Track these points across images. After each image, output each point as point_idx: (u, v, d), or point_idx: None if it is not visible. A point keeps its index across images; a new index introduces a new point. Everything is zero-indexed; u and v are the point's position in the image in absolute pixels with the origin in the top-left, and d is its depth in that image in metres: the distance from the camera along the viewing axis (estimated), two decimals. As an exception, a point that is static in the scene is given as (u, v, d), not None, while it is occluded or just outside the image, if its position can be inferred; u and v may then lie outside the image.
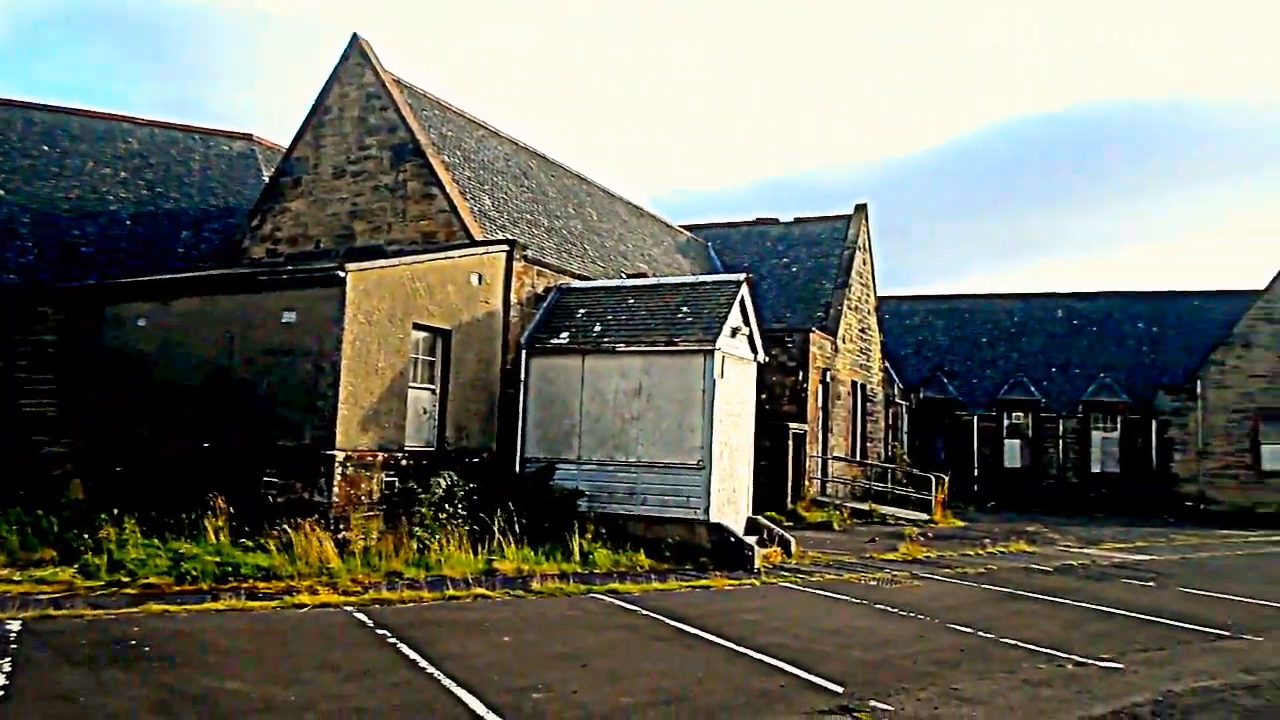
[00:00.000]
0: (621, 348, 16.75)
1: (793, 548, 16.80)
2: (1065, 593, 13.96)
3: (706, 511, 15.68)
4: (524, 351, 17.52)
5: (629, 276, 22.67)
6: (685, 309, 17.01)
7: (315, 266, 16.01)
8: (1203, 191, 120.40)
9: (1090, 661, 9.41)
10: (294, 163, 20.11)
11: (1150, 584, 15.36)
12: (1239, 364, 33.46)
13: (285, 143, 21.39)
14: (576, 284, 19.08)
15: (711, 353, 16.01)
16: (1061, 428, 37.61)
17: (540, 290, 18.38)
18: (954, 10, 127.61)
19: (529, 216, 22.05)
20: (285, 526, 12.58)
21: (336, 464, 13.69)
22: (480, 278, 16.91)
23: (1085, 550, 20.09)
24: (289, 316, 14.32)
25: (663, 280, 19.32)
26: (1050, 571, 16.46)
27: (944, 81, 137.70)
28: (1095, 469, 37.03)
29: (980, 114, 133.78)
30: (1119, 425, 36.71)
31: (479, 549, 13.78)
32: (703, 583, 13.38)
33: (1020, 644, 10.09)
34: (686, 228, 34.44)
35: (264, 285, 14.99)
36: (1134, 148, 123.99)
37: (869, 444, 32.03)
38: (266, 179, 21.65)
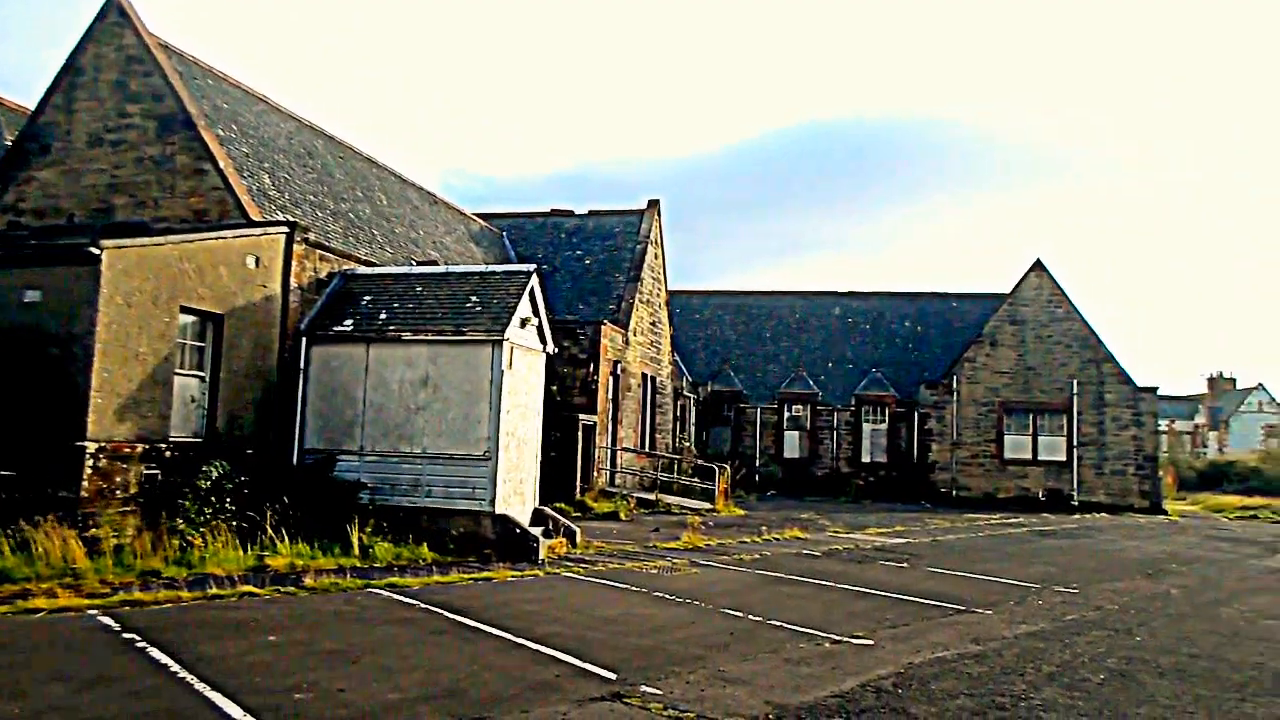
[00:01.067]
0: (408, 336, 16.37)
1: (578, 538, 16.99)
2: (830, 575, 14.87)
3: (492, 503, 15.60)
4: (305, 339, 16.78)
5: (419, 264, 22.18)
6: (474, 298, 16.83)
7: (65, 242, 14.65)
8: (968, 198, 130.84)
9: (846, 639, 10.06)
10: (42, 128, 18.33)
11: (904, 565, 16.61)
12: (987, 361, 36.73)
13: (31, 105, 19.46)
14: (362, 270, 18.46)
15: (500, 343, 15.93)
16: (836, 419, 40.02)
17: (324, 275, 17.66)
18: (746, 16, 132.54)
19: (313, 198, 21.13)
20: (24, 524, 11.49)
21: (87, 455, 12.63)
22: (257, 260, 16.05)
23: (851, 535, 21.47)
24: (32, 296, 13.06)
25: (451, 269, 19.01)
26: (819, 556, 17.48)
27: (734, 84, 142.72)
28: (866, 458, 39.64)
29: (764, 118, 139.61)
30: (886, 417, 39.47)
31: (250, 545, 13.12)
32: (486, 575, 13.31)
33: (785, 625, 10.66)
34: (481, 216, 34.07)
35: (1, 260, 13.60)
36: (904, 156, 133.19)
37: (658, 435, 32.85)
38: (9, 144, 19.62)
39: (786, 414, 40.54)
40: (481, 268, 19.83)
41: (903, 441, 39.01)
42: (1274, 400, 79.99)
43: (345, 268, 18.22)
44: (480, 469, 15.74)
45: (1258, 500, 41.48)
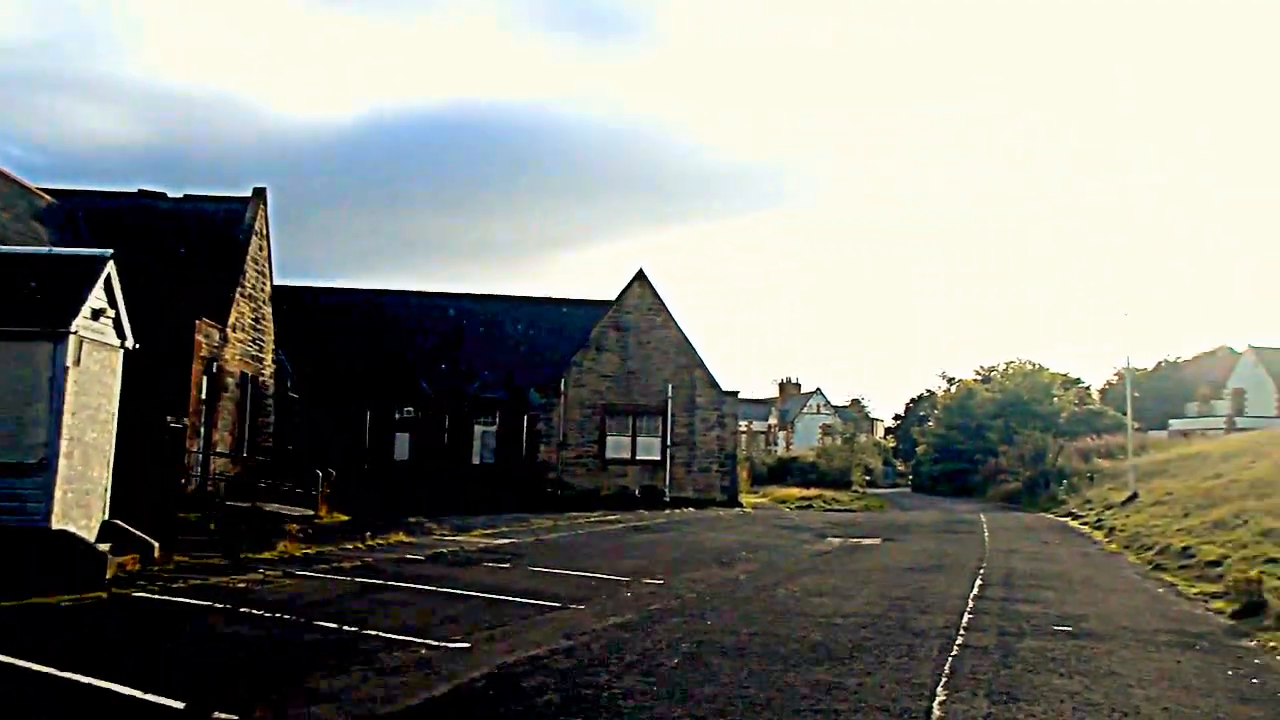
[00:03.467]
0: (-59, 326, 13.92)
1: (156, 553, 15.45)
2: (432, 579, 14.82)
3: (47, 518, 13.71)
4: None
5: (-39, 240, 18.99)
6: (33, 285, 14.69)
7: None
8: (591, 208, 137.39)
9: (443, 644, 10.07)
10: None
11: (507, 565, 17.01)
12: (593, 366, 38.81)
13: None
14: (-121, 244, 15.40)
15: (64, 336, 14.08)
16: (449, 422, 40.05)
17: None
18: None
19: None
20: None
21: None
22: None
23: (457, 537, 21.60)
24: None
25: (6, 249, 16.49)
26: (423, 560, 17.37)
27: (331, 71, 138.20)
28: (476, 460, 40.06)
29: (385, 97, 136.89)
30: (498, 420, 40.20)
31: None
32: (30, 601, 11.63)
33: (382, 634, 10.44)
34: (50, 193, 29.76)
35: None
36: (534, 163, 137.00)
37: (259, 438, 30.83)
38: None
39: (399, 416, 39.87)
40: (44, 250, 17.48)
41: (513, 443, 39.94)
42: (829, 403, 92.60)
43: None
44: (33, 480, 13.77)
45: (814, 491, 47.87)
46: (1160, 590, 15.96)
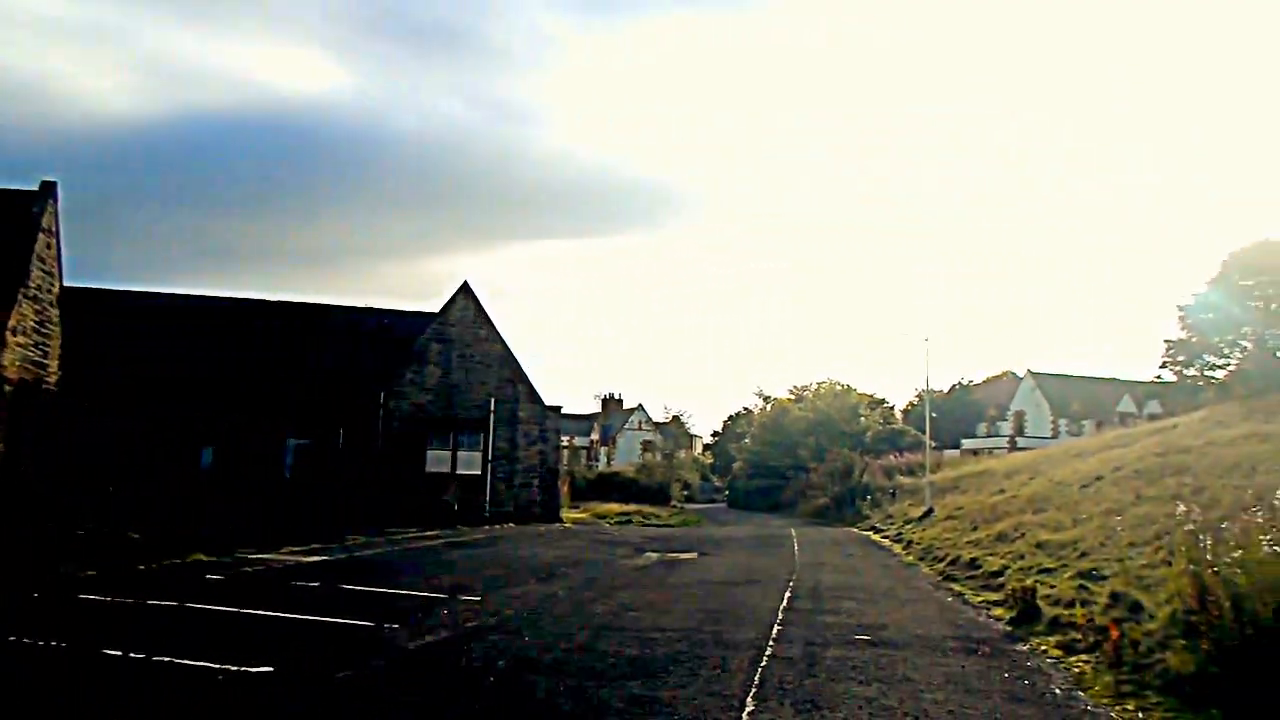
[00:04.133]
0: None
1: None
2: (234, 600, 14.04)
3: None
4: None
5: None
6: None
7: None
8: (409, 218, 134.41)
9: (243, 669, 9.57)
10: None
11: (317, 584, 16.34)
12: (414, 378, 38.01)
13: None
14: None
15: None
16: (259, 434, 38.08)
17: None
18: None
19: None
20: None
21: None
22: None
23: (264, 555, 20.61)
24: None
25: None
26: (223, 579, 16.48)
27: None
28: (289, 474, 38.27)
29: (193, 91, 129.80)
30: (312, 432, 38.59)
31: None
32: None
33: (176, 660, 9.83)
34: None
35: None
36: (341, 171, 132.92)
37: (42, 451, 28.38)
38: None
39: (203, 427, 37.60)
40: None
41: (328, 457, 38.44)
42: (650, 419, 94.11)
43: None
44: None
45: (633, 506, 48.58)
46: (950, 600, 17.07)
